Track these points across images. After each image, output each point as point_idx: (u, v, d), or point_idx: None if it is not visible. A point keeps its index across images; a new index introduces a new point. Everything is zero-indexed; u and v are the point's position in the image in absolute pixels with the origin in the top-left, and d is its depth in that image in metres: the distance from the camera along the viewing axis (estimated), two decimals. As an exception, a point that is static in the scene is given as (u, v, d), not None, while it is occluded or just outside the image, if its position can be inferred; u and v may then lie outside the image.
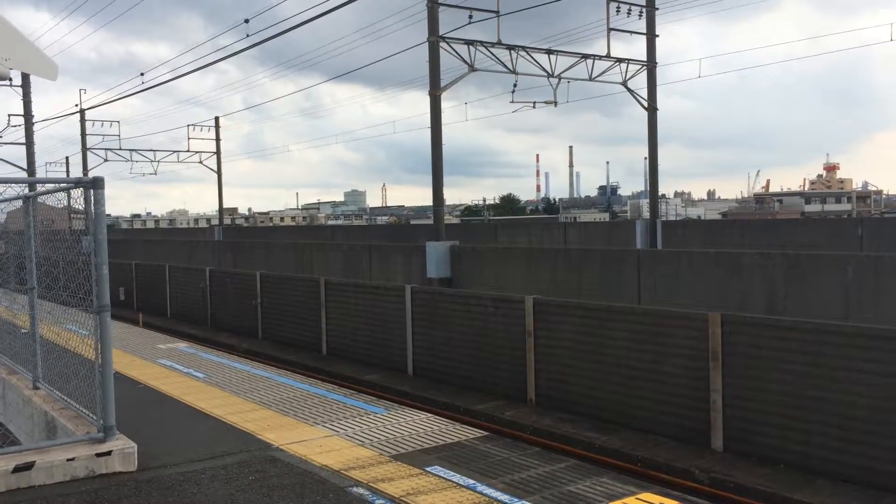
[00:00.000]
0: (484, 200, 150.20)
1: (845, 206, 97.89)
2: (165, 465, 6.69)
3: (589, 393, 12.22)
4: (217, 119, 53.56)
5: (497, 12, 24.85)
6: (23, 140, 40.77)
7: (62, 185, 7.17)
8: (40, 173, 50.64)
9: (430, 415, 8.27)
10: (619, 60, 28.40)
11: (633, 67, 28.93)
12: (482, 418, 12.64)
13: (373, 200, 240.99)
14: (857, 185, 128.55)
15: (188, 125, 51.51)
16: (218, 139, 53.12)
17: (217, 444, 7.30)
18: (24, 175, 39.00)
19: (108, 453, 6.47)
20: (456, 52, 24.51)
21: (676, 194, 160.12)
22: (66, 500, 5.87)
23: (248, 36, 26.35)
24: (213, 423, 8.09)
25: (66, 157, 73.24)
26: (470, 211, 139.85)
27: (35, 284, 8.33)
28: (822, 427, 9.43)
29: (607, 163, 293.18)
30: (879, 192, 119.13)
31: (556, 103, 27.99)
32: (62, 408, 7.74)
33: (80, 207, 6.69)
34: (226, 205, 56.53)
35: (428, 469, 6.39)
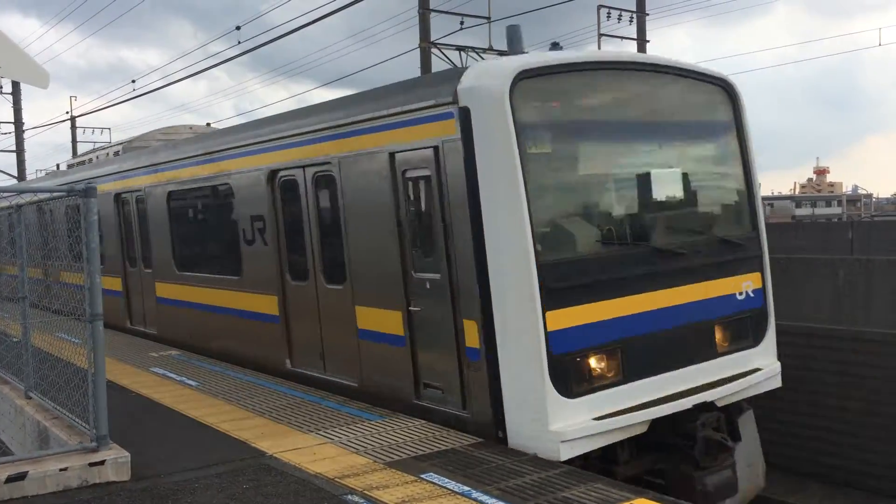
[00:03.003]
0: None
1: (835, 210, 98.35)
2: (159, 474, 6.66)
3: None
4: (209, 125, 53.55)
5: (488, 18, 24.88)
6: (13, 147, 40.68)
7: (55, 193, 7.15)
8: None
9: (423, 421, 8.25)
10: (611, 66, 28.47)
11: (624, 73, 29.01)
12: (476, 424, 12.60)
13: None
14: (847, 188, 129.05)
15: (180, 132, 51.45)
16: (209, 146, 53.10)
17: (211, 452, 7.28)
18: (14, 183, 38.85)
19: (102, 463, 6.45)
20: (447, 57, 24.50)
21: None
22: (60, 510, 5.85)
23: (239, 43, 26.26)
24: (206, 431, 8.06)
25: (57, 165, 73.02)
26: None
27: (27, 293, 8.30)
28: (815, 431, 9.46)
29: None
30: (869, 196, 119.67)
31: (547, 108, 28.05)
32: (55, 417, 7.71)
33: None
34: (217, 211, 56.35)
35: (423, 476, 6.38)
